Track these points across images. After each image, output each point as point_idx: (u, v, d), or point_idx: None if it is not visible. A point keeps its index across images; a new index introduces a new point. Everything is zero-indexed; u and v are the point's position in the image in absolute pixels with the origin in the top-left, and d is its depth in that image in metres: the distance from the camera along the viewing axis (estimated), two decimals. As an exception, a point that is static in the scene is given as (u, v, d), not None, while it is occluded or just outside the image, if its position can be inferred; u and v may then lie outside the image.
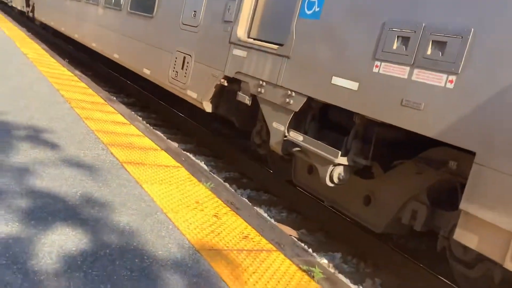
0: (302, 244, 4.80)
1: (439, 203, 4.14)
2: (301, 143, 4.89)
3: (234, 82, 6.12)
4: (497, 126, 3.18)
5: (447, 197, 4.01)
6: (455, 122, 3.45)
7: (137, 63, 8.93)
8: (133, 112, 8.89)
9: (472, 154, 3.34)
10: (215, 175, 6.53)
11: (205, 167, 7.12)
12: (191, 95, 6.83)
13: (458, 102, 3.44)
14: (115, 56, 10.02)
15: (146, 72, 8.45)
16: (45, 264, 2.87)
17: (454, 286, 4.42)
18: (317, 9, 4.83)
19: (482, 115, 3.28)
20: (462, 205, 3.34)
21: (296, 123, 5.14)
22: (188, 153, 7.53)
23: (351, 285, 4.36)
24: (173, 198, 4.39)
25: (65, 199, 3.81)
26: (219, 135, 9.20)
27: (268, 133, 5.55)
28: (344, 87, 4.39)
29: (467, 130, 3.36)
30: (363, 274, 4.87)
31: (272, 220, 5.60)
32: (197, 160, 7.25)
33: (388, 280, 4.75)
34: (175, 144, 8.03)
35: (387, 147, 4.51)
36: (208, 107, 6.61)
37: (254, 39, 5.90)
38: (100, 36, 11.17)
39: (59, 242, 3.14)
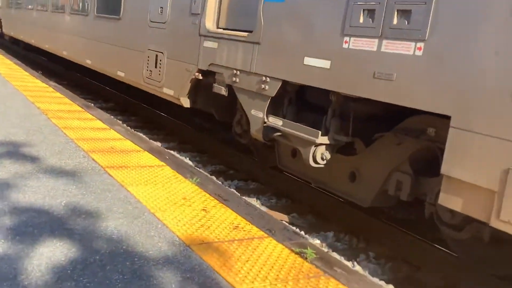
0: (293, 228, 4.81)
1: (422, 171, 4.17)
2: (281, 127, 4.90)
3: (209, 75, 6.09)
4: (468, 87, 3.21)
5: (429, 164, 4.04)
6: (428, 88, 3.47)
7: (110, 66, 8.83)
8: (112, 117, 8.80)
9: (448, 118, 3.36)
10: (200, 170, 6.51)
11: (190, 163, 7.09)
12: (168, 92, 6.79)
13: (428, 68, 3.46)
14: (88, 62, 9.90)
15: (120, 74, 8.37)
16: (35, 277, 2.84)
17: (446, 250, 4.47)
18: (281, -8, 4.81)
19: (452, 79, 3.31)
20: (443, 170, 3.38)
21: (274, 108, 5.13)
22: (171, 151, 7.49)
23: (344, 261, 4.39)
24: (159, 197, 4.37)
25: (49, 211, 3.77)
26: (201, 130, 9.17)
27: (248, 121, 5.54)
28: (316, 66, 4.39)
29: (440, 95, 3.39)
30: (356, 249, 4.91)
31: (262, 208, 5.61)
32: (181, 157, 7.22)
33: (381, 252, 4.80)
34: (158, 144, 7.98)
35: (366, 121, 4.53)
36: (186, 103, 6.57)
37: (224, 29, 5.86)
38: (70, 44, 11.03)
39: (47, 254, 3.11)
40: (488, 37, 3.12)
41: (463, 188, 3.28)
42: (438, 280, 4.31)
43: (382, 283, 4.15)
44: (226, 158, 7.50)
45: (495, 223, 3.08)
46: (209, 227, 3.87)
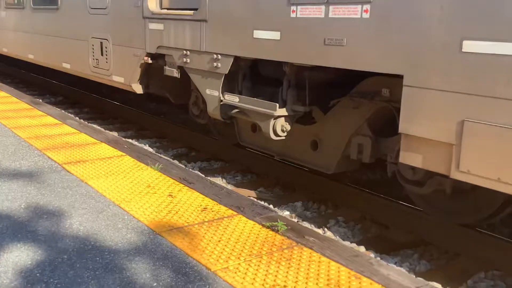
0: (262, 203, 4.84)
1: (381, 132, 4.24)
2: (238, 104, 4.86)
3: (158, 58, 5.95)
4: (417, 45, 3.24)
5: (388, 124, 4.10)
6: (378, 50, 3.49)
7: (54, 59, 8.50)
8: (63, 111, 8.53)
9: (401, 77, 3.40)
10: (162, 156, 6.42)
11: (150, 149, 6.98)
12: (118, 80, 6.60)
13: (377, 30, 3.48)
14: (30, 57, 9.49)
15: (66, 66, 8.07)
16: (4, 285, 2.74)
17: (411, 206, 4.59)
18: (223, -34, 4.70)
19: (401, 38, 3.33)
20: (401, 128, 3.43)
21: (229, 85, 5.08)
22: (129, 140, 7.34)
23: (315, 229, 4.45)
24: (122, 188, 4.28)
25: (10, 215, 3.63)
26: (158, 115, 9.01)
27: (204, 101, 5.46)
28: (267, 39, 4.35)
29: (391, 56, 3.41)
30: (326, 216, 4.98)
31: (228, 187, 5.60)
32: (140, 145, 7.09)
33: (350, 216, 4.89)
34: (114, 134, 7.81)
35: (322, 89, 4.55)
36: (138, 89, 6.42)
37: (168, 9, 5.71)
38: (9, 40, 10.53)
39: (13, 259, 3.01)
40: (432, -7, 3.14)
41: (421, 145, 3.35)
42: (406, 235, 4.44)
43: (353, 245, 4.23)
44: (187, 140, 7.42)
45: (455, 175, 3.16)
46: (177, 212, 3.83)
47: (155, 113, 9.16)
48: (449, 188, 3.85)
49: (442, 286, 3.65)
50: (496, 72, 2.87)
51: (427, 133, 3.28)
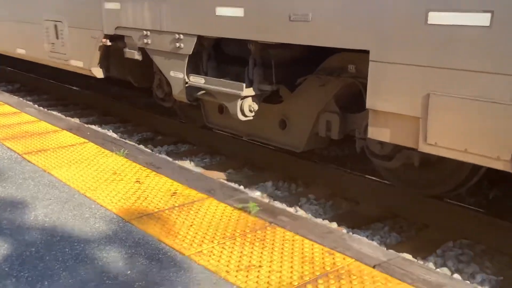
0: (232, 184, 4.81)
1: (348, 108, 4.24)
2: (204, 85, 4.76)
3: (118, 39, 5.75)
4: (381, 19, 3.22)
5: (355, 100, 4.11)
6: (343, 25, 3.45)
7: (7, 45, 8.13)
8: (21, 99, 8.20)
9: (366, 53, 3.38)
10: (127, 141, 6.28)
11: (114, 135, 6.80)
12: (77, 64, 6.37)
13: (342, 4, 3.43)
14: (-18, 44, 9.06)
15: (21, 52, 7.74)
16: (-33, 284, 2.63)
17: (381, 180, 4.64)
18: None
19: (365, 13, 3.30)
20: (368, 104, 3.43)
21: (194, 66, 4.96)
22: (92, 126, 7.14)
23: (287, 208, 4.45)
24: (87, 176, 4.16)
25: (-31, 211, 3.48)
26: (120, 99, 8.79)
27: (168, 84, 5.34)
28: (230, 16, 4.25)
29: (356, 31, 3.38)
30: (296, 194, 4.99)
31: (197, 170, 5.52)
32: (103, 131, 6.90)
33: (321, 193, 4.91)
34: (76, 120, 7.57)
35: (289, 67, 4.50)
36: (98, 73, 6.21)
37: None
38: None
39: (-24, 257, 2.88)
40: (395, -34, 3.12)
41: (389, 119, 3.36)
42: (376, 209, 4.49)
43: (325, 222, 4.26)
44: (152, 124, 7.28)
45: (423, 148, 3.19)
46: (146, 198, 3.75)
47: (118, 97, 8.93)
48: (417, 160, 3.90)
49: (412, 257, 3.72)
50: (459, 44, 2.88)
51: (394, 107, 3.29)
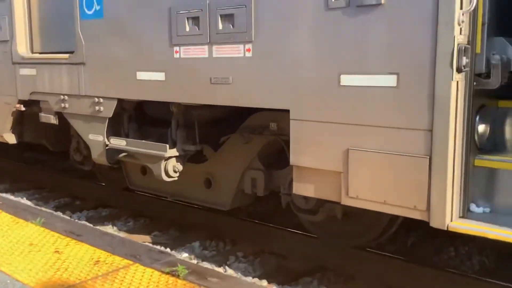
0: (158, 247, 4.68)
1: (272, 165, 4.34)
2: (126, 147, 4.69)
3: (33, 104, 5.56)
4: (299, 80, 3.39)
5: (278, 157, 4.22)
6: (263, 86, 3.59)
7: None
8: None
9: (287, 111, 3.52)
10: (43, 209, 5.95)
11: (29, 203, 6.42)
12: (-13, 131, 6.04)
13: (261, 67, 3.59)
14: None
15: None
16: None
17: (307, 234, 4.72)
18: (97, 8, 4.58)
19: (284, 74, 3.47)
20: (292, 161, 3.54)
21: (115, 128, 4.88)
22: (4, 194, 6.70)
23: (216, 268, 4.37)
24: (1, 249, 3.87)
25: None
26: (34, 164, 8.37)
27: (87, 147, 5.19)
28: (151, 80, 4.28)
29: (276, 91, 3.53)
30: (225, 253, 4.93)
31: (120, 234, 5.33)
32: (16, 199, 6.50)
33: (249, 250, 4.90)
34: (-14, 189, 7.09)
35: (211, 126, 4.56)
36: (11, 139, 5.92)
37: (41, 53, 5.41)
38: None
39: None
40: (307, 31, 3.33)
41: (312, 175, 3.48)
42: (304, 263, 4.54)
43: (255, 280, 4.22)
44: (70, 189, 6.96)
45: (345, 201, 3.32)
46: (66, 269, 3.55)
47: (31, 162, 8.50)
48: (340, 213, 4.04)
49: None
50: (371, 102, 3.09)
51: (316, 163, 3.42)
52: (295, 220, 4.68)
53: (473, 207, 3.07)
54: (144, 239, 5.17)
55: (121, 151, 4.79)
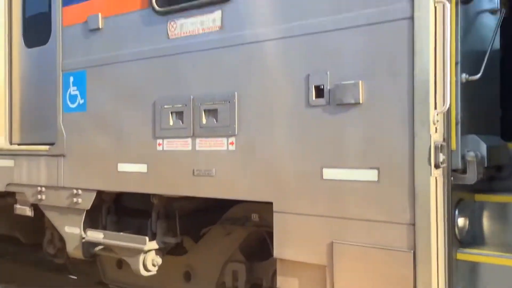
0: None
1: (254, 256, 4.29)
2: (103, 240, 4.58)
3: (7, 195, 5.45)
4: (282, 173, 3.46)
5: (260, 248, 4.18)
6: (246, 179, 3.64)
7: None
8: None
9: (269, 203, 3.55)
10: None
11: (-4, 298, 6.09)
12: (-43, 223, 5.84)
13: (243, 160, 3.66)
14: None
15: None
16: None
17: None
18: (81, 101, 4.67)
19: (266, 167, 3.53)
20: (276, 253, 3.52)
21: (92, 220, 4.79)
22: (-31, 290, 6.34)
23: None
24: None
25: None
26: (4, 256, 8.01)
27: (61, 239, 5.05)
28: (132, 172, 4.29)
29: (259, 184, 3.58)
30: None
31: (93, 332, 5.05)
32: (-17, 294, 6.16)
33: None
34: (-51, 284, 6.69)
35: (193, 218, 4.53)
36: None
37: (19, 144, 5.39)
38: None
39: None
40: (289, 126, 3.45)
41: (297, 268, 3.45)
42: None
43: None
44: (41, 282, 6.64)
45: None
46: None
47: (1, 254, 8.14)
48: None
49: None
50: (353, 196, 3.16)
51: (300, 256, 3.40)
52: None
53: (458, 300, 3.07)
54: (119, 337, 4.91)
55: (98, 244, 4.67)
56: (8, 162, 5.31)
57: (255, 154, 3.62)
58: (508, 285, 2.95)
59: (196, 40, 3.92)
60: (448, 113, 2.94)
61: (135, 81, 4.30)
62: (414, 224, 2.90)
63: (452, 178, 2.99)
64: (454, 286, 3.00)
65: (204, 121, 3.87)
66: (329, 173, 3.26)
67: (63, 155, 4.80)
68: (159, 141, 4.12)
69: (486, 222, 3.29)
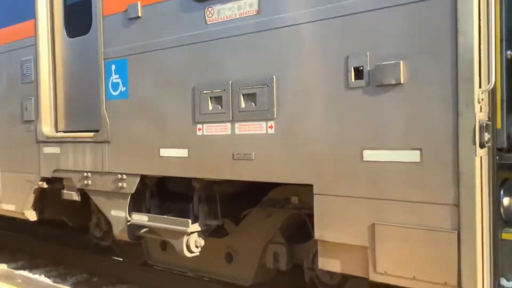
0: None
1: (294, 238, 4.33)
2: (148, 223, 4.71)
3: (55, 181, 5.66)
4: (322, 155, 3.47)
5: (300, 230, 4.22)
6: (286, 162, 3.67)
7: None
8: None
9: (309, 186, 3.57)
10: (61, 286, 5.88)
11: (47, 280, 6.36)
12: (9, 208, 6.11)
13: (283, 143, 3.68)
14: None
15: None
16: None
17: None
18: (123, 89, 4.78)
19: (306, 150, 3.55)
20: (317, 235, 3.54)
21: (136, 204, 4.94)
22: (22, 271, 6.66)
23: None
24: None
25: None
26: (50, 239, 8.35)
27: (107, 222, 5.22)
28: (174, 156, 4.38)
29: (299, 167, 3.60)
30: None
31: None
32: (34, 276, 6.45)
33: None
34: (4, 266, 7.04)
35: (233, 201, 4.60)
36: (31, 216, 5.97)
37: (65, 131, 5.58)
38: None
39: None
40: (328, 108, 3.45)
41: (338, 249, 3.47)
42: None
43: None
44: (87, 265, 6.90)
45: (373, 277, 3.29)
46: None
47: (47, 237, 8.49)
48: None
49: None
50: (394, 177, 3.15)
51: (341, 238, 3.42)
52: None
53: (503, 281, 3.03)
54: (164, 317, 5.08)
55: (143, 226, 4.81)
56: (54, 149, 5.50)
57: (294, 137, 3.64)
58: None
59: (233, 25, 3.95)
60: (493, 91, 2.88)
61: (175, 67, 4.37)
62: (458, 205, 2.87)
63: (497, 157, 2.94)
64: (499, 266, 2.97)
65: (242, 105, 3.90)
66: (370, 155, 3.25)
67: (107, 142, 4.94)
68: (199, 126, 4.19)
69: (532, 202, 3.22)
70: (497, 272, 2.98)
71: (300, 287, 5.28)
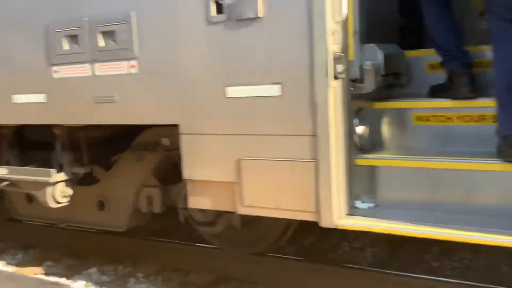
0: (51, 279, 4.42)
1: (168, 180, 4.28)
2: (8, 176, 4.37)
3: None
4: (187, 94, 3.40)
5: (174, 172, 4.17)
6: (150, 102, 3.55)
7: None
8: None
9: (177, 126, 3.51)
10: None
11: None
12: None
13: (147, 83, 3.54)
14: None
15: None
16: None
17: (209, 246, 4.72)
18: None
19: (171, 89, 3.45)
20: (185, 175, 3.53)
21: (-8, 157, 4.54)
22: None
23: (116, 293, 4.22)
24: None
25: None
26: None
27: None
28: (30, 102, 4.04)
29: (164, 107, 3.50)
30: (124, 275, 4.76)
31: (9, 269, 4.94)
32: None
33: (149, 269, 4.79)
34: None
35: (100, 146, 4.40)
36: None
37: None
38: None
39: None
40: (191, 45, 3.35)
41: (206, 187, 3.49)
42: (208, 276, 4.53)
43: (158, 299, 4.14)
44: None
45: (241, 210, 3.38)
46: None
47: None
48: (238, 222, 4.09)
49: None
50: (257, 112, 3.18)
51: (209, 175, 3.44)
52: (196, 234, 4.66)
53: (358, 203, 3.27)
54: (35, 272, 4.83)
55: (3, 180, 4.46)
56: None
57: (157, 76, 3.50)
58: (402, 184, 3.18)
59: (85, -45, 3.61)
60: (345, 23, 2.97)
61: (23, 3, 3.95)
62: (315, 135, 2.99)
63: (351, 88, 3.08)
64: (354, 190, 3.19)
65: (102, 44, 3.66)
66: (233, 91, 3.24)
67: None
68: (55, 68, 3.87)
69: (385, 128, 3.45)
70: (352, 195, 3.19)
71: (176, 227, 5.33)
